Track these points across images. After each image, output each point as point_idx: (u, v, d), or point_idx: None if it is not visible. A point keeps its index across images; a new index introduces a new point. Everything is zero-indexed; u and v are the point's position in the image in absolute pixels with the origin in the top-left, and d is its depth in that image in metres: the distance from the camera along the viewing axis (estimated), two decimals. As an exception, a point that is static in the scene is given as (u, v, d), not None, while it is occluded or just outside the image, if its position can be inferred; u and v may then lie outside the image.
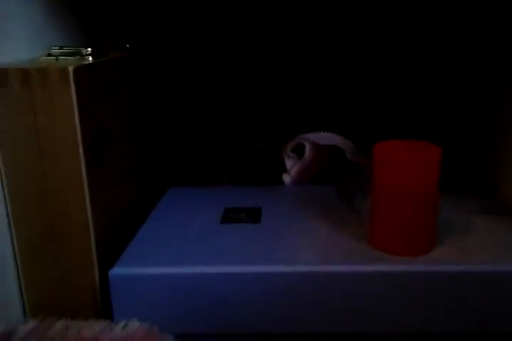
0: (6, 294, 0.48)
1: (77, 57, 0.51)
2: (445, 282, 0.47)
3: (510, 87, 0.61)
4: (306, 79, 0.86)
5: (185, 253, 0.50)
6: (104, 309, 0.49)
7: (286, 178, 0.71)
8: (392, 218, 0.48)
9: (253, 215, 0.58)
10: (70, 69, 0.45)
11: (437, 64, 0.82)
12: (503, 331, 0.48)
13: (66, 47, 0.52)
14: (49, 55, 0.51)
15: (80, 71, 0.46)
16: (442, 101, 0.82)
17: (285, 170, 0.73)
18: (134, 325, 0.45)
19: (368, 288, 0.47)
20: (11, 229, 0.48)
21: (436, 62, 0.82)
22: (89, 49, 0.51)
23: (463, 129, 0.75)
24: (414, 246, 0.49)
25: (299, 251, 0.50)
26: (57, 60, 0.50)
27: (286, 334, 0.49)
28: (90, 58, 0.51)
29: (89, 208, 0.47)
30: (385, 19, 0.83)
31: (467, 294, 0.47)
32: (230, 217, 0.58)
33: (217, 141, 0.86)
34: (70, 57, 0.50)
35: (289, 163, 0.72)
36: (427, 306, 0.47)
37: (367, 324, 0.48)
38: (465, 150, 0.73)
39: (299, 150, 0.73)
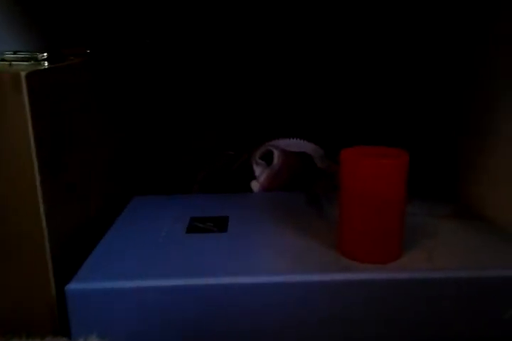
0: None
1: (32, 62, 0.49)
2: (415, 288, 0.46)
3: (478, 90, 0.61)
4: (275, 86, 0.86)
5: (146, 265, 0.48)
6: (62, 325, 0.47)
7: (255, 185, 0.69)
8: (359, 225, 0.47)
9: (220, 224, 0.57)
10: (23, 74, 0.43)
11: (404, 68, 0.82)
12: (474, 337, 0.47)
13: (20, 52, 0.50)
14: (2, 60, 0.49)
15: (34, 76, 0.44)
16: (410, 106, 0.82)
17: (254, 178, 0.71)
18: (93, 341, 0.43)
19: (338, 296, 0.46)
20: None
21: (403, 66, 0.82)
22: (45, 54, 0.50)
23: (430, 134, 0.75)
24: (383, 253, 0.48)
25: (267, 261, 0.48)
26: (10, 65, 0.48)
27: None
28: (46, 63, 0.49)
29: (44, 222, 0.45)
30: (352, 26, 0.82)
31: (437, 300, 0.46)
32: (196, 226, 0.57)
33: (187, 148, 0.85)
34: (24, 63, 0.48)
35: (257, 170, 0.71)
36: (398, 313, 0.46)
37: (338, 334, 0.46)
38: (432, 154, 0.73)
39: (268, 157, 0.72)
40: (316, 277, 0.46)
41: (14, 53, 0.49)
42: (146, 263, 0.48)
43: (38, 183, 0.44)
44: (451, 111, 0.69)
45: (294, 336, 0.47)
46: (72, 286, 0.45)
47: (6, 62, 0.48)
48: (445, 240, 0.52)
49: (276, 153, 0.70)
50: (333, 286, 0.46)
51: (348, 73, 0.84)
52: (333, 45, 0.83)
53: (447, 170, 0.69)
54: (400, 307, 0.46)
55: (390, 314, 0.46)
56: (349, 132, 0.83)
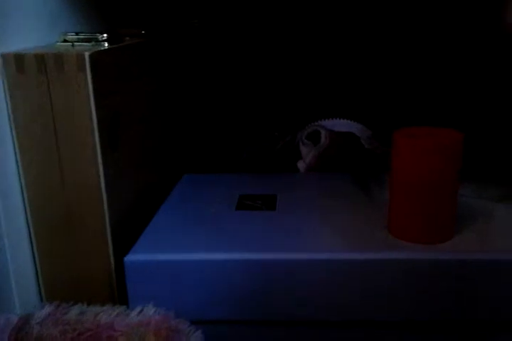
0: (22, 280, 0.49)
1: (93, 43, 0.50)
2: (463, 269, 0.46)
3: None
4: (323, 66, 0.85)
5: (199, 240, 0.50)
6: (120, 295, 0.49)
7: (302, 165, 0.70)
8: (411, 206, 0.48)
9: (268, 202, 0.58)
10: (86, 54, 0.45)
11: (461, 49, 0.81)
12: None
13: (82, 33, 0.51)
14: (65, 41, 0.51)
15: (96, 57, 0.46)
16: (467, 87, 0.81)
17: (300, 158, 0.72)
18: (150, 310, 0.45)
19: (387, 275, 0.46)
20: (27, 215, 0.48)
21: (460, 47, 0.81)
22: (105, 35, 0.51)
23: (487, 116, 0.74)
24: (434, 233, 0.48)
25: (315, 239, 0.50)
26: (73, 46, 0.50)
27: (302, 322, 0.49)
28: (106, 44, 0.50)
29: (104, 194, 0.47)
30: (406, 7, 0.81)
31: (484, 282, 0.46)
32: (245, 204, 0.58)
33: (233, 129, 0.86)
34: (85, 43, 0.50)
35: (304, 150, 0.71)
36: (446, 294, 0.47)
37: (387, 311, 0.47)
38: (488, 136, 0.72)
39: (314, 138, 0.72)
40: (366, 255, 0.47)
41: (76, 34, 0.51)
42: (198, 237, 0.50)
43: (99, 157, 0.46)
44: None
45: (343, 310, 0.48)
46: (131, 257, 0.47)
47: (69, 43, 0.50)
48: (497, 222, 0.52)
49: (323, 133, 0.70)
50: (384, 264, 0.46)
51: (405, 52, 0.83)
52: (388, 24, 0.82)
53: (502, 152, 0.68)
54: (446, 286, 0.46)
55: (438, 292, 0.47)
56: (398, 113, 0.82)
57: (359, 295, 0.47)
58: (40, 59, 0.45)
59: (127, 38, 0.58)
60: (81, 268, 0.49)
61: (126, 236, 0.51)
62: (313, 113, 0.80)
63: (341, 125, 0.75)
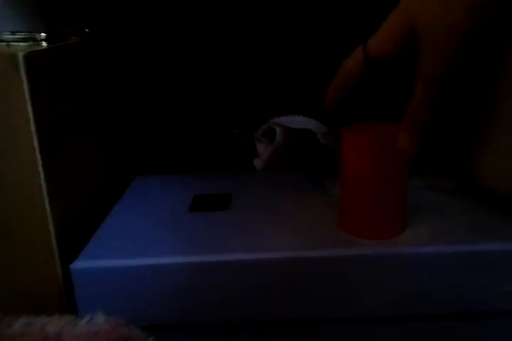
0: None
1: (31, 42, 0.48)
2: (416, 264, 0.46)
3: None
4: (279, 63, 0.85)
5: (150, 243, 0.49)
6: (70, 303, 0.48)
7: (258, 163, 0.70)
8: (360, 201, 0.47)
9: (223, 202, 0.57)
10: (20, 55, 0.43)
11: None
12: (479, 312, 0.47)
13: (19, 32, 0.49)
14: (0, 40, 0.48)
15: (32, 57, 0.44)
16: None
17: (257, 155, 0.72)
18: (100, 318, 0.44)
19: (340, 272, 0.46)
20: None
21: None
22: (44, 34, 0.49)
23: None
24: (385, 229, 0.48)
25: (269, 238, 0.49)
26: (8, 46, 0.48)
27: (255, 322, 0.48)
28: (45, 43, 0.49)
29: (47, 202, 0.45)
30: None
31: (436, 275, 0.46)
32: (199, 204, 0.57)
33: (190, 127, 0.85)
34: (22, 43, 0.48)
35: (260, 148, 0.71)
36: (399, 289, 0.46)
37: (340, 309, 0.47)
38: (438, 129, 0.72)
39: (270, 135, 0.72)
40: (317, 253, 0.46)
41: (12, 33, 0.49)
42: (149, 241, 0.49)
43: (39, 164, 0.44)
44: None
45: (295, 311, 0.47)
46: (77, 265, 0.46)
47: (4, 43, 0.48)
48: (448, 214, 0.52)
49: (278, 130, 0.70)
50: (336, 262, 0.46)
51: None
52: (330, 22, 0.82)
53: (454, 145, 0.68)
54: (400, 281, 0.46)
55: (391, 288, 0.46)
56: (354, 109, 0.82)
57: (311, 294, 0.47)
58: (-29, 61, 0.43)
59: (73, 37, 0.56)
60: (26, 277, 0.47)
61: (74, 243, 0.49)
62: (270, 109, 0.80)
63: (297, 121, 0.74)
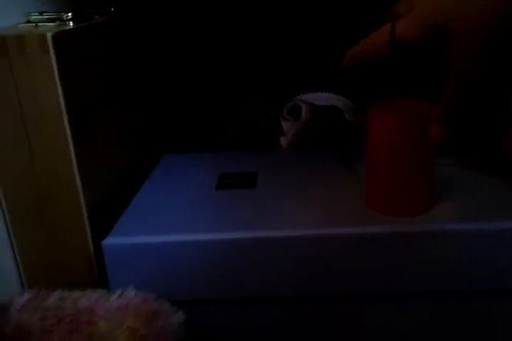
0: (2, 266, 0.48)
1: (58, 23, 0.49)
2: (442, 241, 0.46)
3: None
4: (304, 39, 0.84)
5: (179, 220, 0.49)
6: (101, 278, 0.49)
7: (284, 141, 0.69)
8: (387, 178, 0.47)
9: (249, 180, 0.57)
10: (49, 35, 0.43)
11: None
12: (502, 289, 0.47)
13: (46, 13, 0.50)
14: (28, 21, 0.49)
15: (60, 37, 0.44)
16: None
17: (283, 134, 0.71)
18: (130, 293, 0.45)
19: (367, 249, 0.46)
20: (2, 204, 0.47)
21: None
22: (70, 14, 0.49)
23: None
24: (412, 206, 0.48)
25: (296, 216, 0.49)
26: (36, 26, 0.48)
27: (284, 298, 0.49)
28: (71, 23, 0.49)
29: (77, 178, 0.46)
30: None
31: (463, 252, 0.46)
32: (226, 182, 0.57)
33: (215, 106, 0.85)
34: (49, 24, 0.49)
35: (285, 126, 0.70)
36: (425, 265, 0.46)
37: (367, 285, 0.47)
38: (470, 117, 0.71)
39: (296, 112, 0.71)
40: (344, 230, 0.46)
41: (40, 14, 0.49)
42: (178, 218, 0.50)
43: (70, 142, 0.45)
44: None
45: (320, 288, 0.48)
46: (109, 241, 0.47)
47: (33, 24, 0.48)
48: (476, 192, 0.51)
49: (304, 108, 0.69)
50: (362, 239, 0.46)
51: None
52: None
53: (482, 122, 0.67)
54: (426, 258, 0.46)
55: (417, 265, 0.46)
56: (383, 85, 0.81)
57: (338, 271, 0.47)
58: (1, 41, 0.43)
59: (97, 17, 0.56)
60: (60, 253, 0.49)
61: (105, 219, 0.50)
62: (296, 87, 0.79)
63: (323, 98, 0.74)
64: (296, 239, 0.46)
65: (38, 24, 0.48)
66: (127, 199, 0.54)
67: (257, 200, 0.53)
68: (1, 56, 0.43)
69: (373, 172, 0.48)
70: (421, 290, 0.47)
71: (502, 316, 0.48)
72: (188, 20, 0.82)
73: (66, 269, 0.49)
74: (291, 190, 0.54)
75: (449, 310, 0.48)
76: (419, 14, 0.41)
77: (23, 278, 0.50)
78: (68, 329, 0.42)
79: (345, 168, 0.60)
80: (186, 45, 0.83)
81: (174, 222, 0.49)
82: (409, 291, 0.48)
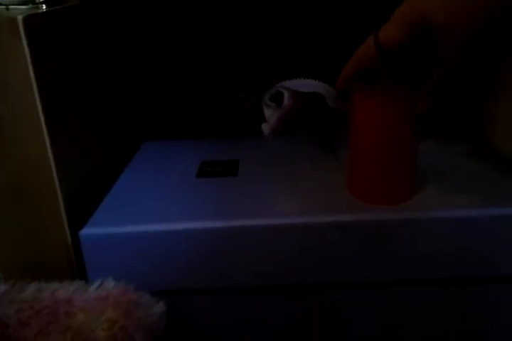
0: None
1: (30, 5, 0.47)
2: (426, 229, 0.46)
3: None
4: (286, 25, 0.82)
5: (158, 209, 0.48)
6: (79, 269, 0.48)
7: (266, 128, 0.69)
8: (370, 165, 0.47)
9: (230, 168, 0.56)
10: (19, 18, 0.41)
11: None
12: (485, 276, 0.47)
13: (18, -5, 0.48)
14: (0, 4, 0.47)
15: (31, 20, 0.43)
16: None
17: (265, 120, 0.70)
18: (109, 284, 0.44)
19: (349, 237, 0.46)
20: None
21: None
22: (43, -4, 0.48)
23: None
24: (395, 193, 0.47)
25: (277, 204, 0.48)
26: (7, 9, 0.46)
27: (261, 287, 0.48)
28: (44, 6, 0.47)
29: (53, 165, 0.45)
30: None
31: (445, 240, 0.46)
32: (206, 170, 0.56)
33: (197, 92, 0.83)
34: (21, 6, 0.47)
35: (267, 112, 0.69)
36: (408, 253, 0.46)
37: (348, 273, 0.47)
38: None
39: (278, 99, 0.70)
40: (327, 218, 0.46)
41: (11, -4, 0.47)
42: (157, 207, 0.49)
43: (43, 127, 0.44)
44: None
45: (303, 276, 0.47)
46: (86, 231, 0.46)
47: (3, 7, 0.47)
48: (460, 178, 0.51)
49: (286, 94, 0.68)
50: (345, 227, 0.46)
51: (362, 10, 0.81)
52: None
53: (466, 110, 0.67)
54: (407, 246, 0.46)
55: (399, 253, 0.46)
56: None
57: (320, 259, 0.46)
58: (-30, 25, 0.41)
59: (71, 0, 0.54)
60: (37, 245, 0.48)
61: (82, 209, 0.49)
62: (278, 73, 0.78)
63: (306, 85, 0.73)
64: (277, 227, 0.46)
65: (9, 7, 0.47)
66: (106, 188, 0.53)
67: (238, 188, 0.52)
68: (-30, 40, 0.42)
69: (357, 159, 0.48)
70: (403, 277, 0.47)
71: (485, 303, 0.48)
72: (169, 6, 0.80)
73: (43, 260, 0.48)
74: (273, 178, 0.53)
75: (431, 296, 0.48)
76: (400, 14, 0.41)
77: (-2, 271, 0.48)
78: (46, 320, 0.41)
79: (327, 155, 0.59)
80: (168, 32, 0.81)
81: (153, 210, 0.48)
82: (392, 279, 0.47)
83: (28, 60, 0.42)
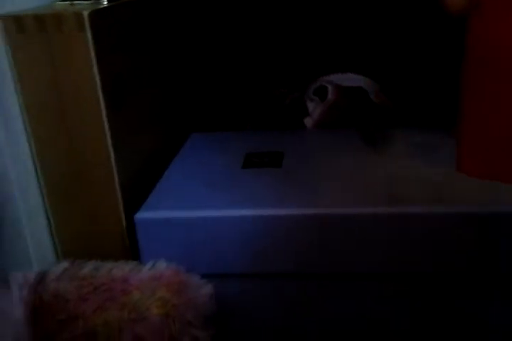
0: (39, 238, 0.50)
1: (92, 1, 0.50)
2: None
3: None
4: (331, 20, 0.83)
5: (207, 197, 0.51)
6: (133, 250, 0.51)
7: (308, 122, 0.70)
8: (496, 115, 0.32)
9: (275, 160, 0.58)
10: (85, 13, 0.44)
11: None
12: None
13: (80, -9, 0.51)
14: (64, 0, 0.50)
15: (96, 15, 0.45)
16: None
17: (308, 114, 0.72)
18: (162, 265, 0.46)
19: (387, 229, 0.47)
20: (38, 175, 0.49)
21: None
22: (104, -8, 0.50)
23: None
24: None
25: (320, 195, 0.50)
26: (72, 4, 0.49)
27: (306, 274, 0.50)
28: (105, 2, 0.50)
29: (111, 153, 0.47)
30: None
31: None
32: (252, 161, 0.58)
33: (240, 86, 0.85)
34: (84, 1, 0.49)
35: (311, 106, 0.71)
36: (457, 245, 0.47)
37: (392, 263, 0.48)
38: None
39: (321, 93, 0.72)
40: (366, 210, 0.47)
41: (75, -8, 0.50)
42: (206, 195, 0.51)
43: (104, 118, 0.46)
44: None
45: (343, 265, 0.49)
46: (141, 215, 0.48)
47: (68, 2, 0.49)
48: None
49: (330, 88, 0.69)
50: (384, 219, 0.47)
51: (407, 7, 0.81)
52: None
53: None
54: (460, 239, 0.47)
55: (451, 246, 0.47)
56: (406, 67, 0.80)
57: (362, 248, 0.48)
58: (39, 19, 0.44)
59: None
60: (94, 226, 0.50)
61: (137, 194, 0.52)
62: (321, 67, 0.79)
63: (349, 79, 0.74)
64: (319, 216, 0.48)
65: (74, 2, 0.49)
66: (157, 175, 0.56)
67: (282, 179, 0.54)
68: (39, 33, 0.44)
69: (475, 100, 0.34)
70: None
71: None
72: (218, 3, 0.82)
73: (100, 242, 0.50)
74: (316, 170, 0.55)
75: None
76: None
77: (58, 250, 0.51)
78: (103, 297, 0.43)
79: (369, 149, 0.60)
80: (216, 27, 0.83)
81: (203, 197, 0.51)
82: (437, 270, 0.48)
83: (92, 52, 0.45)
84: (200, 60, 0.82)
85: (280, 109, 0.77)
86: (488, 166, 0.37)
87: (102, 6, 0.48)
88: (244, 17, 0.84)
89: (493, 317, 0.48)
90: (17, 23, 0.44)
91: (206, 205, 0.49)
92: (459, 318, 0.49)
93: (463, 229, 0.46)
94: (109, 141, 0.47)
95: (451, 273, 0.48)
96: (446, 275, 0.48)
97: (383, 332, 0.50)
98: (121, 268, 0.46)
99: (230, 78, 0.85)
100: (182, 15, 0.72)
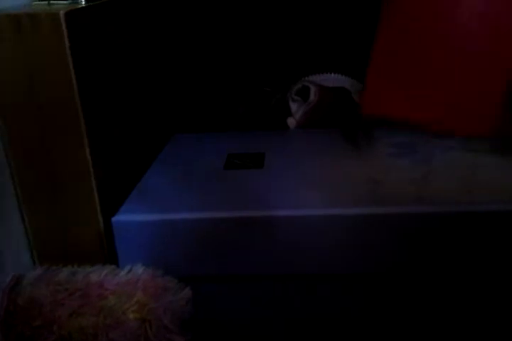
0: (14, 243, 0.49)
1: (70, 1, 0.49)
2: (445, 221, 0.47)
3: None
4: (313, 21, 0.83)
5: (188, 199, 0.50)
6: (111, 255, 0.50)
7: (291, 122, 0.70)
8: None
9: (256, 161, 0.58)
10: (61, 13, 0.43)
11: None
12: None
13: (58, -10, 0.50)
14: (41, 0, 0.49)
15: (73, 15, 0.44)
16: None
17: (291, 114, 0.71)
18: (139, 269, 0.46)
19: (372, 229, 0.47)
20: (13, 179, 0.48)
21: None
22: (82, -8, 0.50)
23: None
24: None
25: (301, 196, 0.50)
26: (49, 4, 0.48)
27: (285, 275, 0.50)
28: (83, 2, 0.49)
29: (88, 155, 0.47)
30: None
31: (475, 233, 0.47)
32: (234, 162, 0.58)
33: (224, 86, 0.85)
34: (62, 1, 0.49)
35: (293, 107, 0.70)
36: (432, 246, 0.47)
37: (370, 264, 0.48)
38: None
39: (304, 93, 0.71)
40: (350, 211, 0.47)
41: (52, -8, 0.49)
42: (186, 197, 0.51)
43: (81, 119, 0.46)
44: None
45: (327, 264, 0.49)
46: (119, 218, 0.48)
47: (45, 2, 0.49)
48: (483, 174, 0.52)
49: (312, 89, 0.69)
50: (368, 219, 0.47)
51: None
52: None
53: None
54: (435, 240, 0.47)
55: (423, 246, 0.47)
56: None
57: (346, 249, 0.48)
58: (15, 19, 0.44)
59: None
60: (71, 229, 0.50)
61: (115, 197, 0.51)
62: (304, 68, 0.79)
63: (332, 80, 0.74)
64: (300, 218, 0.47)
65: (51, 2, 0.49)
66: (137, 177, 0.55)
67: (264, 180, 0.53)
68: (14, 34, 0.44)
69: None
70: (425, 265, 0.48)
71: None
72: (199, 5, 0.82)
73: (77, 245, 0.50)
74: (298, 170, 0.55)
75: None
76: None
77: (34, 254, 0.51)
78: (79, 302, 0.43)
79: (351, 148, 0.60)
80: (198, 27, 0.83)
81: (182, 199, 0.50)
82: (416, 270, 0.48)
83: (68, 53, 0.44)
84: (183, 60, 0.81)
85: (264, 109, 0.77)
86: (393, 105, 0.38)
87: (79, 6, 0.47)
88: (227, 17, 0.83)
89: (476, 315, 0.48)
90: (-9, 23, 0.44)
91: (185, 208, 0.49)
92: (439, 316, 0.49)
93: (441, 228, 0.47)
94: (86, 142, 0.47)
95: (431, 272, 0.48)
96: (426, 275, 0.49)
97: (362, 332, 0.51)
98: (97, 273, 0.45)
99: (214, 78, 0.85)
100: (165, 16, 0.72)
